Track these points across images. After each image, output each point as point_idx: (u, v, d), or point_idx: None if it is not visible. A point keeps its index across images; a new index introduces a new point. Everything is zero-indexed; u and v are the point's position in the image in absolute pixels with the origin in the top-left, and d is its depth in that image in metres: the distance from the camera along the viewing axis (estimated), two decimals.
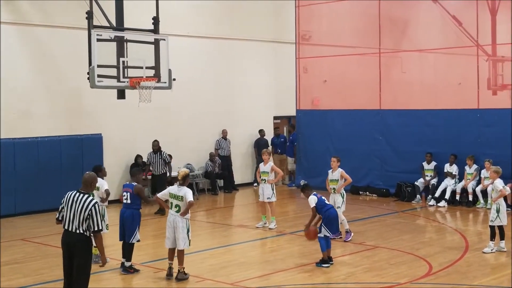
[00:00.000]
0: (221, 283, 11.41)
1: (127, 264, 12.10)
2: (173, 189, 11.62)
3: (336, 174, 14.59)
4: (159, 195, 11.94)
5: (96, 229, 8.70)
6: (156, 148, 19.61)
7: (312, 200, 12.46)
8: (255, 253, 14.27)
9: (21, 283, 11.58)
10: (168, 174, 19.38)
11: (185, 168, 12.51)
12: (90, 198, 8.78)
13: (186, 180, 11.62)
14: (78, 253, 8.71)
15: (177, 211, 11.46)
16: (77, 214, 8.68)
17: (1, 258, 13.22)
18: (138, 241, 12.19)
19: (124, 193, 12.24)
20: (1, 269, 12.42)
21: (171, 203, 11.55)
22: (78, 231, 8.69)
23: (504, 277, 11.47)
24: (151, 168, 19.62)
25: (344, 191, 14.66)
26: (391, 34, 21.61)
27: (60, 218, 8.94)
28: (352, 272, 12.04)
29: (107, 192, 12.82)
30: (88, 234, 8.74)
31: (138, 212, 12.17)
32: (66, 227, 8.81)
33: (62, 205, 8.90)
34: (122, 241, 12.21)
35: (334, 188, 14.54)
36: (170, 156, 19.76)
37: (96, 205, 8.73)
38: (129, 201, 12.13)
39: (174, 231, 11.49)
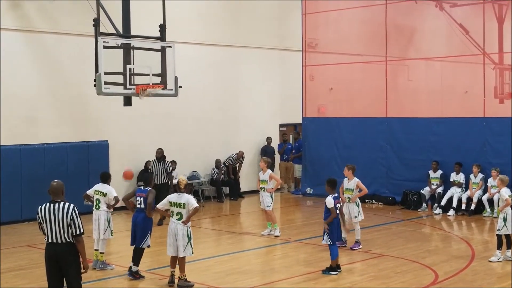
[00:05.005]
0: None
1: (134, 268, 12.10)
2: (173, 197, 11.57)
3: (352, 183, 14.56)
4: (158, 206, 11.85)
5: (78, 232, 8.62)
6: (160, 156, 19.14)
7: (330, 202, 12.41)
8: (261, 261, 14.23)
9: None
10: (169, 184, 18.69)
11: (182, 175, 12.47)
12: (68, 203, 8.70)
13: (187, 188, 11.61)
14: (68, 263, 8.64)
15: (179, 219, 11.41)
16: (60, 223, 8.59)
17: (6, 265, 13.25)
18: (149, 246, 12.21)
19: (138, 198, 12.26)
20: (6, 276, 12.45)
21: (172, 211, 11.50)
22: (64, 241, 8.62)
23: (511, 287, 11.42)
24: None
25: (359, 200, 14.65)
26: (397, 42, 21.60)
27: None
28: (358, 280, 12.02)
29: (116, 199, 12.86)
30: (73, 241, 8.65)
31: (150, 217, 12.17)
32: (50, 240, 8.70)
33: (40, 221, 8.79)
34: (133, 246, 12.20)
35: (349, 197, 14.53)
36: (174, 162, 19.75)
37: (76, 208, 8.68)
38: (142, 206, 12.14)
39: (175, 238, 11.45)
